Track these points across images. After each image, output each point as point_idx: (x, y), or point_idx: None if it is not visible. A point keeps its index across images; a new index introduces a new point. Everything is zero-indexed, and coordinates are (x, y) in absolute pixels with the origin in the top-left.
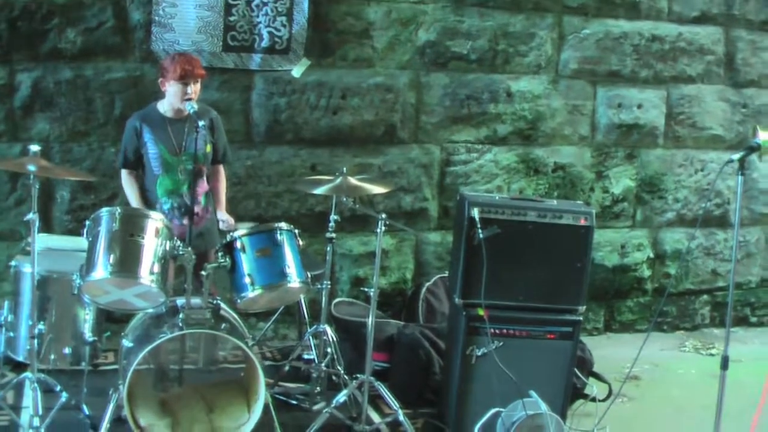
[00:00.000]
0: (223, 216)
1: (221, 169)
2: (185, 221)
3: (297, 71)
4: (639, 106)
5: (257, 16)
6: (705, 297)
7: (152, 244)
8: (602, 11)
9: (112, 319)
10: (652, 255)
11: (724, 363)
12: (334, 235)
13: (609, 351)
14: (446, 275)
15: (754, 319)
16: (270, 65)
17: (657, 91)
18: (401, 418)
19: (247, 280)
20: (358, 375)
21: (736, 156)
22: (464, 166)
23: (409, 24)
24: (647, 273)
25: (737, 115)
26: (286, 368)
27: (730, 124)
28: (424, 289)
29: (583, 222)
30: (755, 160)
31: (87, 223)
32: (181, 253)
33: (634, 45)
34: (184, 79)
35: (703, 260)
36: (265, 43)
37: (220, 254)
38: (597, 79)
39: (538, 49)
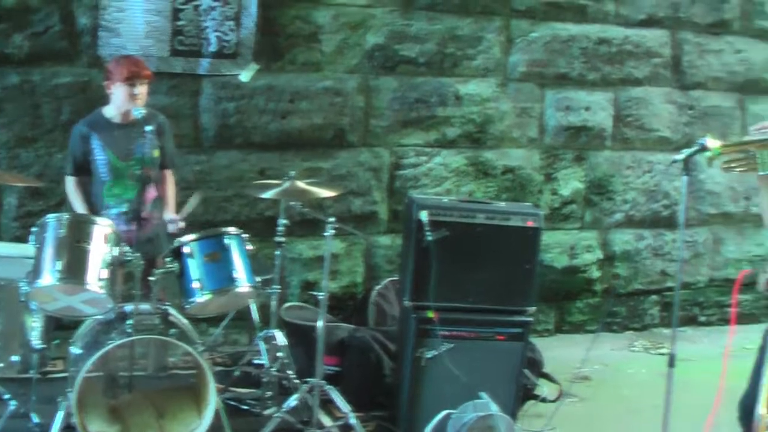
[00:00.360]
0: (171, 216)
1: (169, 174)
2: (133, 227)
3: (245, 75)
4: (587, 109)
5: (205, 21)
6: (654, 297)
7: (100, 250)
8: (549, 15)
9: (60, 327)
10: (601, 256)
11: (671, 361)
12: (283, 239)
13: (560, 352)
14: (396, 278)
15: (702, 319)
16: (218, 70)
17: (605, 93)
18: (352, 421)
19: (195, 285)
20: (309, 379)
21: (680, 156)
22: (414, 170)
23: (358, 28)
24: (597, 274)
25: (684, 116)
26: (237, 373)
27: (676, 126)
28: (374, 293)
29: (530, 224)
30: (703, 162)
31: (34, 229)
32: (129, 259)
33: (581, 48)
34: (131, 80)
35: (652, 261)
36: (213, 48)
37: (168, 260)
38: (545, 81)
39: (486, 52)
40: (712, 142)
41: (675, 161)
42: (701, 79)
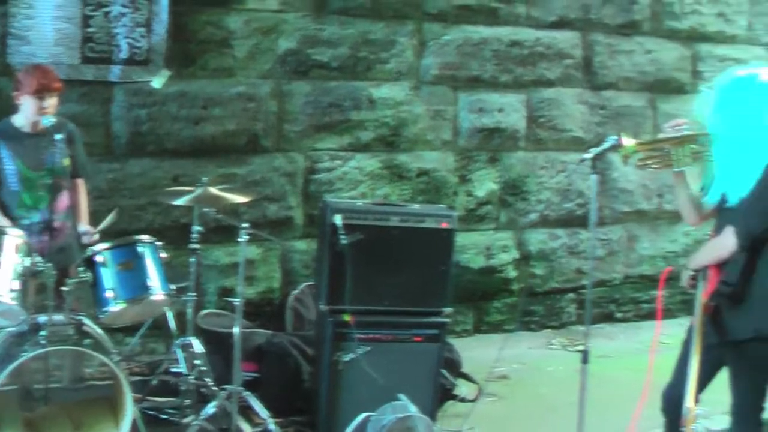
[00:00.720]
0: (84, 228)
1: (81, 183)
2: (45, 237)
3: (157, 82)
4: (500, 110)
5: (116, 28)
6: (571, 295)
7: (11, 261)
8: (461, 18)
9: None
10: (517, 256)
11: (584, 358)
12: (197, 246)
13: (478, 352)
14: (313, 283)
15: (619, 315)
16: (130, 77)
17: (517, 95)
18: (271, 427)
19: (109, 294)
20: (228, 386)
21: (589, 154)
22: (328, 174)
23: (270, 33)
24: (513, 274)
25: (596, 116)
26: (154, 382)
27: (589, 126)
28: (291, 298)
29: (444, 225)
30: (615, 161)
31: None
32: (41, 269)
33: (493, 50)
34: (40, 93)
35: (567, 259)
36: (124, 55)
37: (81, 269)
38: (458, 84)
39: (399, 55)
40: (628, 140)
41: (583, 160)
42: (612, 79)
